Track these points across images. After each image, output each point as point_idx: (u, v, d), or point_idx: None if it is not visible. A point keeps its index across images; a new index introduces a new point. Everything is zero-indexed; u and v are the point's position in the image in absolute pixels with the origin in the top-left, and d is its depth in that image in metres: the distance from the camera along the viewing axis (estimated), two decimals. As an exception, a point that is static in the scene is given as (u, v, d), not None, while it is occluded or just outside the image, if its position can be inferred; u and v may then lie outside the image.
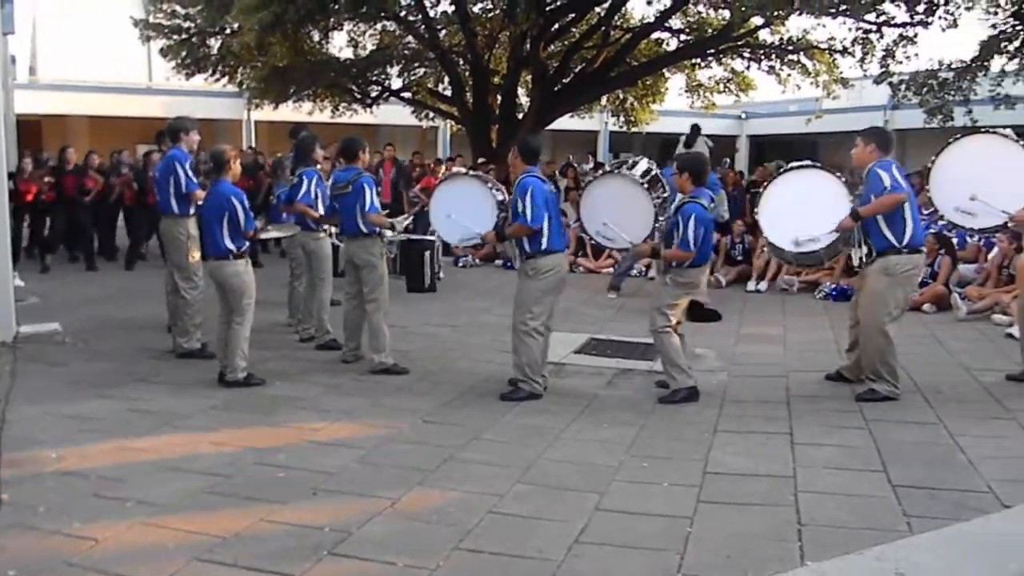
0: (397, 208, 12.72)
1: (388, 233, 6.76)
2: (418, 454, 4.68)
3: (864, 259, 5.88)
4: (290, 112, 17.82)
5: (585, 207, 6.72)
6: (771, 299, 10.34)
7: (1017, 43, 13.49)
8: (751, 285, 10.92)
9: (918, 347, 7.33)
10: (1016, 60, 13.71)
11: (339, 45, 16.95)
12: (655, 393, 6.01)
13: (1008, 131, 5.97)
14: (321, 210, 7.33)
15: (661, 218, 6.44)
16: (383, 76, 17.81)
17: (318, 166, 7.75)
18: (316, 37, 15.77)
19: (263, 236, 6.75)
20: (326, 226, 7.43)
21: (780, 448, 4.83)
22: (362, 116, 18.60)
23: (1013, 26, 13.33)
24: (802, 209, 6.05)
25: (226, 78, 16.79)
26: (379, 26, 16.84)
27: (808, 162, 6.38)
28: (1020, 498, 3.96)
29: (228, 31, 14.63)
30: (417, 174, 14.60)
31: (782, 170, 6.38)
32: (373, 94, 17.90)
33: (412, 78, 18.26)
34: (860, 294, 6.08)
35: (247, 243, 6.21)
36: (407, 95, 18.45)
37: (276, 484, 4.22)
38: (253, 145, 20.82)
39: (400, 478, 4.29)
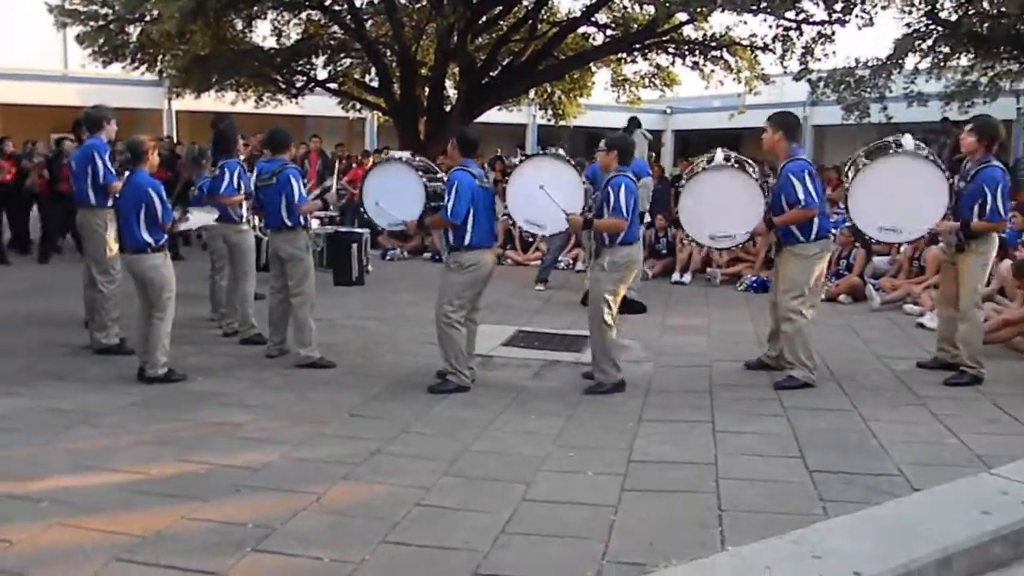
0: (323, 200, 12.51)
1: (314, 224, 6.67)
2: (344, 448, 4.64)
3: (773, 248, 6.11)
4: (212, 102, 17.41)
5: (513, 191, 6.60)
6: (695, 291, 10.54)
7: (930, 42, 14.00)
8: (675, 277, 11.12)
9: (834, 336, 7.57)
10: (929, 58, 14.24)
11: (263, 34, 16.61)
12: (582, 384, 6.06)
13: (909, 141, 6.13)
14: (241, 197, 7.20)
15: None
16: (308, 66, 17.52)
17: (241, 157, 7.61)
18: (239, 26, 15.42)
19: (182, 227, 6.58)
20: (248, 217, 7.29)
21: (702, 436, 4.93)
22: (287, 107, 18.29)
23: (926, 25, 13.83)
24: (719, 205, 6.20)
25: (145, 66, 16.30)
26: (304, 15, 16.56)
27: (723, 159, 6.46)
28: (929, 481, 4.12)
29: (148, 18, 14.19)
30: (343, 166, 14.43)
31: (702, 168, 6.47)
32: (298, 84, 17.61)
33: (338, 69, 18.02)
34: (777, 280, 6.26)
35: (165, 236, 6.05)
36: (333, 86, 18.20)
37: (198, 481, 4.13)
38: (174, 135, 20.28)
39: (326, 473, 4.25)
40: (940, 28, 13.58)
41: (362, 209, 6.74)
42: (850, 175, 6.24)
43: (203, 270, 8.40)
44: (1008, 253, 8.23)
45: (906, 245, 9.53)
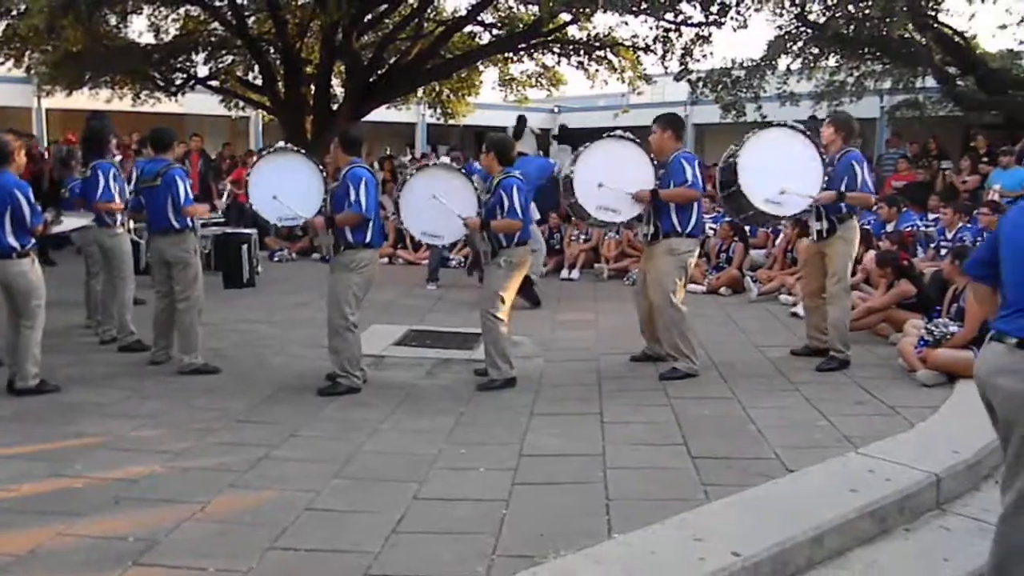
0: (208, 201, 12.16)
1: (200, 226, 6.46)
2: (230, 455, 4.53)
3: (649, 236, 6.29)
4: (87, 100, 16.60)
5: (406, 203, 6.25)
6: (584, 287, 10.74)
7: (800, 43, 14.68)
8: (564, 273, 11.30)
9: (715, 327, 7.86)
10: (799, 59, 14.93)
11: (139, 30, 16.00)
12: (474, 381, 6.11)
13: (793, 122, 6.49)
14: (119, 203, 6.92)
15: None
16: (188, 63, 16.93)
17: (116, 158, 7.32)
18: (113, 21, 14.79)
19: (55, 230, 6.26)
20: (124, 220, 7.00)
21: (591, 428, 5.04)
22: (166, 105, 17.61)
23: (796, 27, 14.48)
24: (610, 177, 6.24)
25: (12, 62, 15.44)
26: (182, 11, 16.00)
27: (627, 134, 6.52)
28: (802, 462, 4.34)
29: (14, 12, 13.44)
30: (228, 166, 14.04)
31: (605, 135, 6.54)
32: (178, 82, 16.99)
33: (220, 66, 17.47)
34: (647, 275, 6.42)
35: (33, 240, 5.75)
36: (214, 84, 17.65)
37: (74, 495, 3.97)
38: (44, 134, 19.30)
39: (211, 481, 4.15)
40: (809, 30, 14.25)
41: (248, 203, 6.36)
42: (735, 148, 6.41)
43: (77, 275, 8.04)
44: (872, 244, 8.73)
45: (781, 237, 9.99)
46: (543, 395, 5.80)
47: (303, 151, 6.39)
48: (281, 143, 6.48)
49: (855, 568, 3.56)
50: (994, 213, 8.83)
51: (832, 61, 15.09)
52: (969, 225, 9.21)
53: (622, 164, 6.30)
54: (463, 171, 6.47)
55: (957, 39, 14.44)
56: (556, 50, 16.86)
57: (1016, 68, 15.05)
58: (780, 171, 6.22)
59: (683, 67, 14.27)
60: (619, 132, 6.48)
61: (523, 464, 4.44)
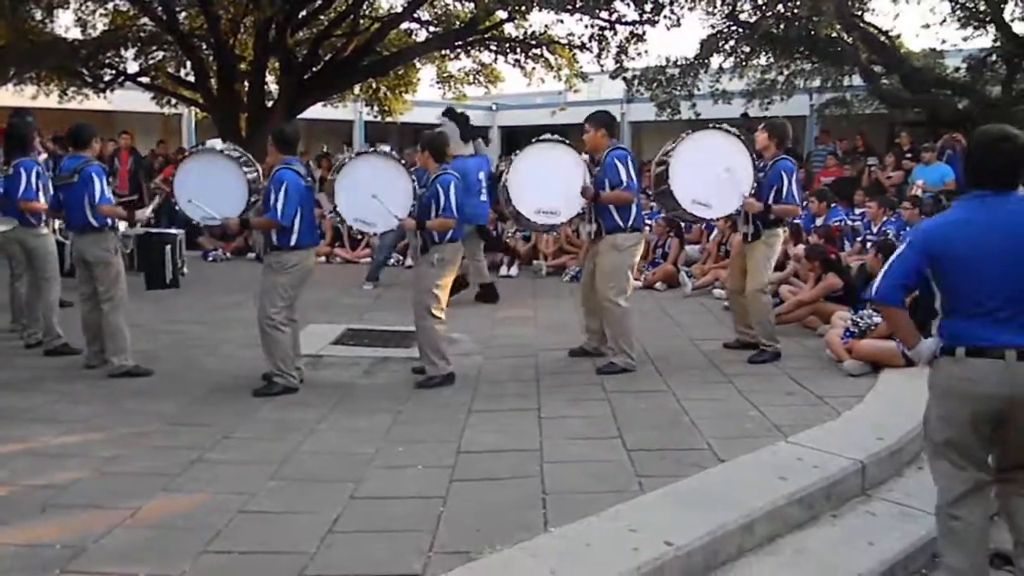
0: (138, 201, 11.93)
1: (122, 226, 6.32)
2: (162, 459, 4.45)
3: (592, 234, 6.37)
4: (10, 96, 16.07)
5: (343, 188, 6.20)
6: (523, 283, 10.79)
7: (732, 42, 14.97)
8: (503, 271, 11.33)
9: (651, 322, 7.98)
10: (732, 58, 15.22)
11: (66, 24, 15.55)
12: (412, 379, 6.09)
13: (725, 125, 6.63)
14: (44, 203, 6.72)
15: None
16: (117, 59, 16.53)
17: (41, 156, 7.11)
18: (39, 15, 14.37)
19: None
20: (48, 220, 6.81)
21: (529, 424, 5.07)
22: (95, 101, 17.14)
23: (728, 26, 14.77)
24: (548, 180, 6.30)
25: (-70, 56, 14.88)
26: (110, 5, 15.62)
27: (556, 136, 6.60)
28: (733, 452, 4.44)
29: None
30: (160, 164, 13.74)
31: (533, 140, 6.58)
32: (106, 78, 16.57)
33: (150, 62, 17.06)
34: (595, 270, 6.47)
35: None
36: (145, 80, 17.24)
37: (-2, 504, 3.86)
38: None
39: (142, 486, 4.07)
40: (740, 29, 14.54)
41: (174, 203, 6.29)
42: (669, 147, 6.52)
43: (1, 277, 7.80)
44: (802, 239, 8.95)
45: (715, 232, 10.17)
46: (481, 392, 5.82)
47: (221, 148, 6.35)
48: (217, 141, 6.41)
49: (784, 554, 3.66)
50: (915, 208, 9.16)
51: (763, 60, 15.43)
52: (893, 219, 9.51)
53: (555, 167, 6.36)
54: (401, 161, 6.39)
55: (882, 38, 14.88)
56: (493, 48, 16.89)
57: (939, 67, 15.55)
58: (710, 173, 6.32)
59: (618, 65, 14.44)
60: (548, 136, 6.53)
61: (461, 461, 4.45)
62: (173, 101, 18.18)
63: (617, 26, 14.19)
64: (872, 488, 4.27)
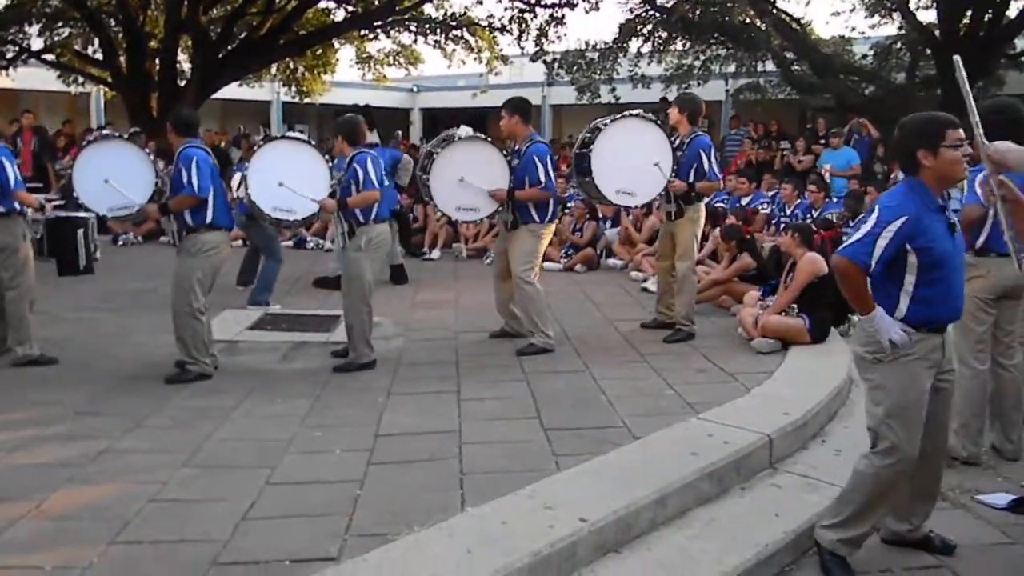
0: (42, 183, 11.48)
1: (29, 212, 6.07)
2: (69, 450, 4.32)
3: (508, 223, 6.44)
4: (-95, 75, 15.31)
5: (257, 180, 5.90)
6: (444, 266, 10.78)
7: (650, 27, 15.16)
8: (425, 253, 11.30)
9: (571, 303, 8.07)
10: (650, 43, 15.42)
11: (-36, -1, 14.81)
12: (331, 364, 6.04)
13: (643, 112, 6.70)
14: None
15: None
16: (20, 35, 15.84)
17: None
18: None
19: None
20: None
21: (448, 405, 5.09)
22: (-3, 79, 16.46)
23: (646, 11, 14.95)
24: (468, 177, 6.30)
25: None
26: (12, -21, 14.95)
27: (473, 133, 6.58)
28: (648, 429, 4.53)
29: None
30: (65, 144, 13.23)
31: (458, 138, 6.53)
32: (9, 55, 15.89)
33: (56, 39, 16.41)
34: (507, 253, 6.52)
35: None
36: (50, 57, 16.58)
37: None
38: None
39: (47, 477, 3.94)
40: (657, 14, 14.73)
41: (75, 195, 6.02)
42: (587, 135, 6.53)
43: None
44: (719, 222, 9.15)
45: (630, 217, 10.32)
46: (401, 375, 5.80)
47: (127, 135, 6.15)
48: (107, 130, 6.18)
49: (695, 527, 3.76)
50: (820, 191, 9.50)
51: (680, 45, 15.68)
52: (801, 200, 9.80)
53: (477, 162, 6.36)
54: (312, 143, 6.24)
55: (794, 25, 15.26)
56: (413, 29, 16.76)
57: (847, 54, 16.05)
58: (631, 161, 6.38)
59: (539, 48, 14.50)
60: (470, 131, 6.52)
61: (379, 444, 4.44)
62: (81, 80, 17.54)
63: (537, 8, 14.23)
64: (779, 461, 4.41)
